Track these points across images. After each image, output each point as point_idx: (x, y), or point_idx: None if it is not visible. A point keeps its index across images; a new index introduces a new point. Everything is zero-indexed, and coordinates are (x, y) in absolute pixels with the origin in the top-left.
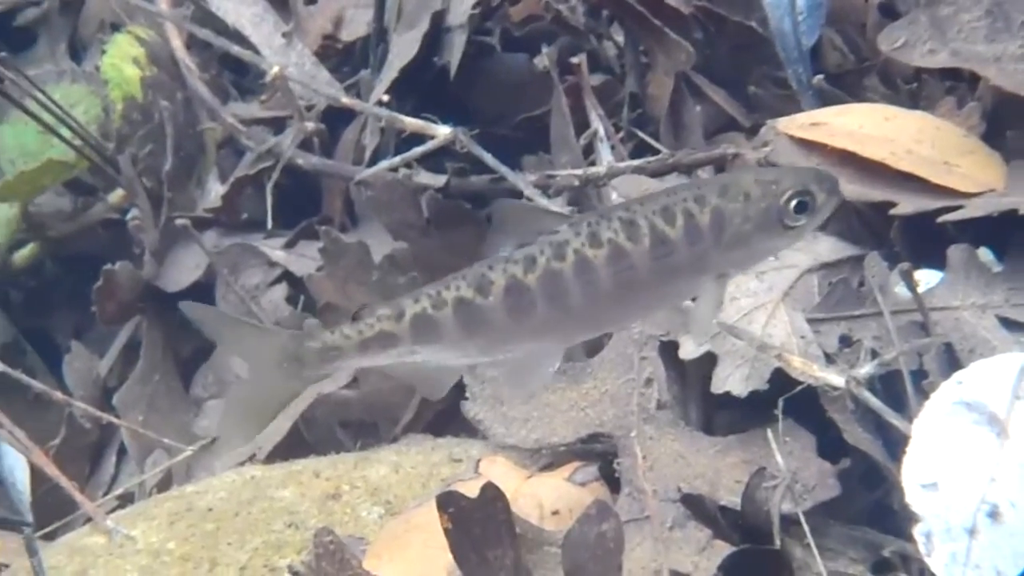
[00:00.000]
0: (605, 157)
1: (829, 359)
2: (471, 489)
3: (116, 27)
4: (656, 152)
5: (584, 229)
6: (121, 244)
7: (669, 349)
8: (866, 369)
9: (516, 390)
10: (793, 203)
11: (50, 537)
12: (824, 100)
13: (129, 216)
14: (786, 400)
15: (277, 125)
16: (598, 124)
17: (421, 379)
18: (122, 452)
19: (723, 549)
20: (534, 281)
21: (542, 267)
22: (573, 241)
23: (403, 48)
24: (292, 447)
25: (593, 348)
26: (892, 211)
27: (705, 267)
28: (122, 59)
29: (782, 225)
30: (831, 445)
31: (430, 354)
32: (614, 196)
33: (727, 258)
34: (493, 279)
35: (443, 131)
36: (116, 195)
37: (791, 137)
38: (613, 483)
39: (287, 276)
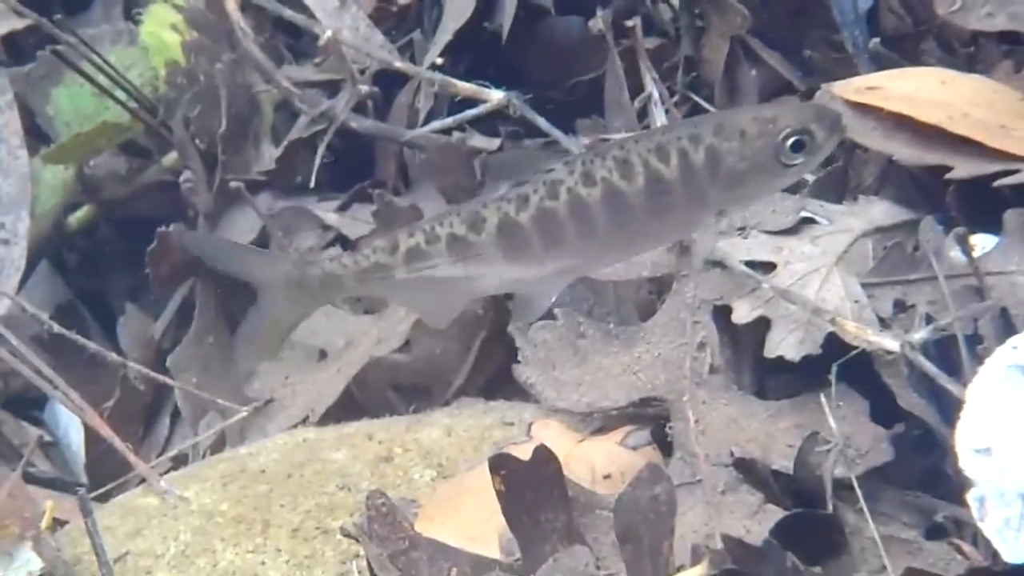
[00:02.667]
0: (659, 121)
1: (883, 324)
2: (523, 452)
3: None
4: None
5: (578, 167)
6: (175, 207)
7: (722, 313)
8: (921, 334)
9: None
10: (790, 141)
11: (104, 498)
12: (880, 64)
13: (182, 179)
14: (839, 365)
15: (331, 88)
16: (652, 88)
17: (421, 309)
18: (176, 414)
19: (775, 513)
20: (527, 219)
21: (535, 205)
22: (567, 180)
23: (457, 11)
24: (345, 410)
25: (646, 312)
26: (947, 175)
27: (701, 205)
28: (160, 26)
29: (779, 164)
30: (884, 410)
31: (424, 287)
32: None
33: (723, 196)
34: (486, 216)
35: (496, 95)
36: (170, 158)
37: (846, 101)
38: (665, 447)
39: (341, 239)
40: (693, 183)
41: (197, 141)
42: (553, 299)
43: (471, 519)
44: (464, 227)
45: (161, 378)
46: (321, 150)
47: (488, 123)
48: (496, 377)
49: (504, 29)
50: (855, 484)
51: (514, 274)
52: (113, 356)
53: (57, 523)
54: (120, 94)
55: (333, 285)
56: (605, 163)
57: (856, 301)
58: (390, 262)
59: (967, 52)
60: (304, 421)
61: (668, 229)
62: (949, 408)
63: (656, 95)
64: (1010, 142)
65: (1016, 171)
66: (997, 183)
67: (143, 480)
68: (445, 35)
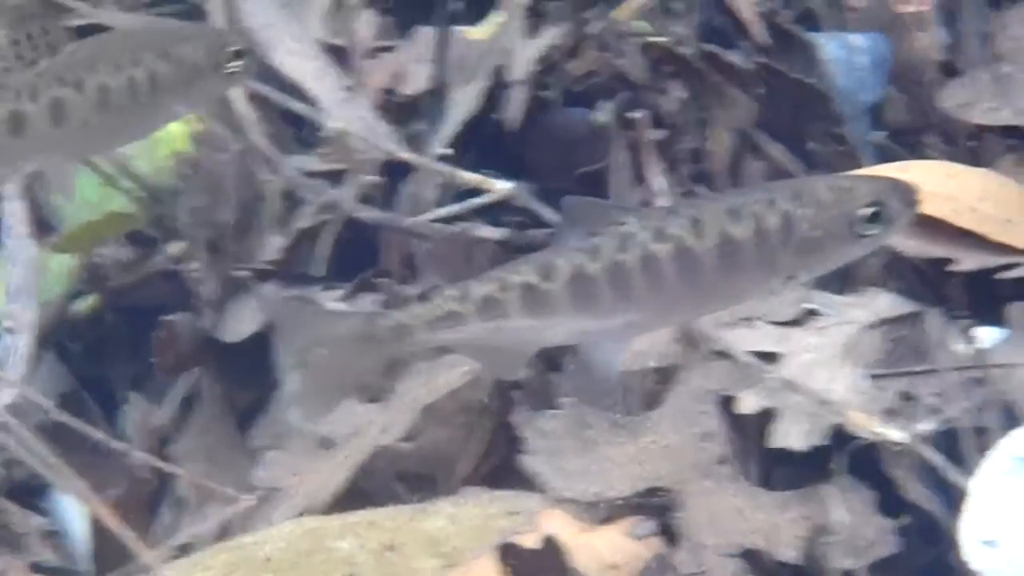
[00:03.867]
0: None
1: (888, 415)
2: (529, 542)
3: None
4: None
5: (651, 223)
6: (180, 295)
7: (727, 404)
8: (926, 425)
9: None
10: (867, 212)
11: None
12: (884, 157)
13: (188, 268)
14: (845, 456)
15: (337, 178)
16: (657, 179)
17: (492, 360)
18: (180, 503)
19: None
20: (598, 270)
21: (607, 257)
22: (639, 234)
23: (463, 102)
24: (350, 498)
25: (652, 401)
26: (952, 268)
27: (771, 270)
28: None
29: (854, 233)
30: (890, 501)
31: (497, 335)
32: None
33: (796, 263)
34: (558, 266)
35: (501, 185)
36: (176, 247)
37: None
38: (671, 538)
39: None
40: (765, 247)
41: (203, 231)
42: (624, 356)
43: None
44: (536, 276)
45: (166, 466)
46: (328, 239)
47: (494, 213)
48: (501, 466)
49: (513, 122)
50: None
51: (584, 326)
52: (118, 444)
53: None
54: (126, 183)
55: (404, 336)
56: (678, 220)
57: (862, 392)
58: (462, 310)
59: (970, 145)
60: (308, 510)
61: (737, 291)
62: (954, 500)
63: (661, 187)
64: (1015, 236)
65: (1020, 264)
66: (1001, 276)
67: (147, 570)
68: (451, 126)
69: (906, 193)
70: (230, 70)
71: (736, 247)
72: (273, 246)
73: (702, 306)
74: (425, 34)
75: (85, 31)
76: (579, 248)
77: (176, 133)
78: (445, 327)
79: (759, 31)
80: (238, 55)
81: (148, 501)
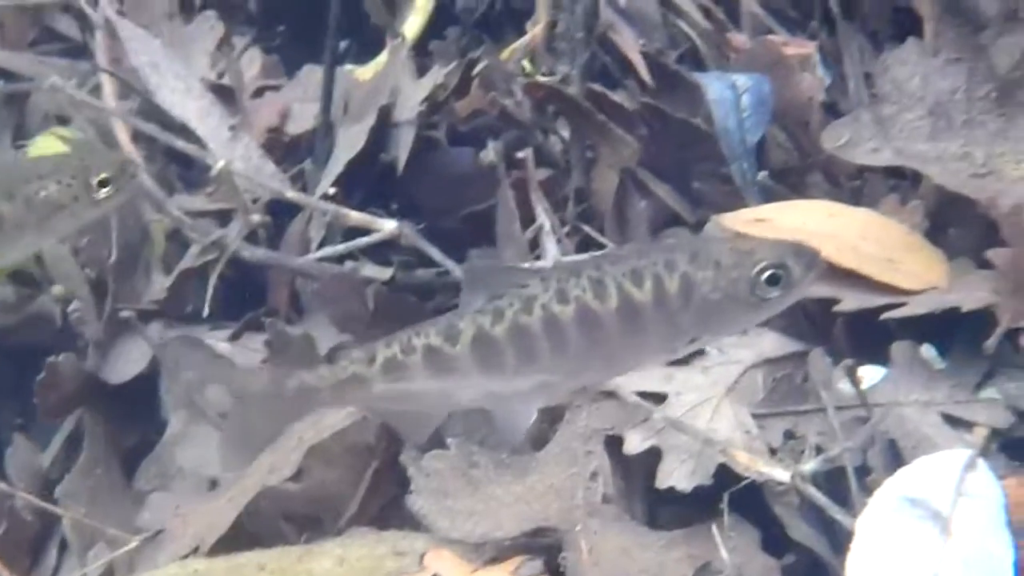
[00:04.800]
0: (551, 251)
1: (773, 454)
2: None
3: (62, 120)
4: (601, 246)
5: (553, 285)
6: (65, 336)
7: (614, 443)
8: (810, 465)
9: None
10: (766, 275)
11: None
12: (768, 196)
13: (71, 308)
14: (731, 495)
15: (223, 217)
16: (544, 218)
17: (402, 422)
18: (64, 545)
19: None
20: (501, 332)
21: (509, 319)
22: (541, 296)
23: (349, 141)
24: (235, 540)
25: (538, 441)
26: (836, 307)
27: (674, 333)
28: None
29: (754, 296)
30: (775, 540)
31: (403, 398)
32: None
33: (696, 326)
34: (462, 328)
35: (388, 224)
36: (59, 287)
37: (735, 233)
38: None
39: None
40: (666, 309)
41: (87, 270)
42: (533, 418)
43: None
44: (440, 339)
45: (49, 507)
46: (213, 279)
47: (380, 252)
48: (388, 506)
49: (400, 162)
50: None
51: (490, 387)
52: (1, 485)
53: None
54: None
55: (311, 397)
56: (580, 282)
57: (747, 432)
58: (367, 373)
59: (853, 186)
60: (195, 551)
61: (640, 352)
62: (839, 539)
63: (548, 225)
64: (897, 276)
65: (903, 304)
66: (884, 316)
67: None
68: (337, 166)
69: (807, 256)
70: (100, 198)
71: (638, 309)
72: (158, 285)
73: (607, 367)
74: (312, 73)
75: None
76: (482, 311)
77: None
78: (351, 389)
79: (644, 71)
80: (105, 183)
81: (32, 543)
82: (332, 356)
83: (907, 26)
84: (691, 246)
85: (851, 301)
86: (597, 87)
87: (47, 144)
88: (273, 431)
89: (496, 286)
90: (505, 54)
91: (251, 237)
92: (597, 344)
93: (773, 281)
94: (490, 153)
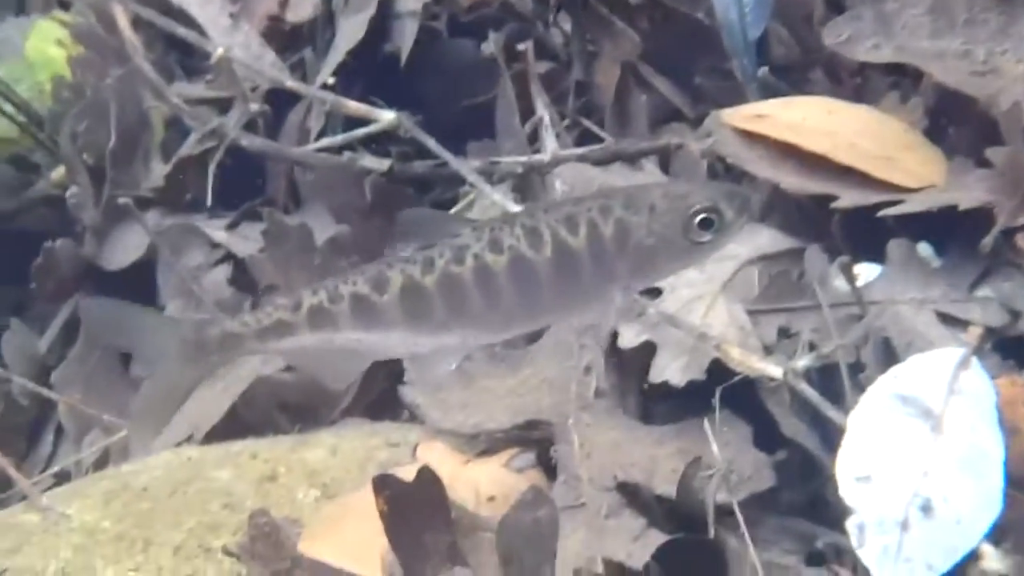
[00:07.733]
0: (550, 145)
1: (767, 351)
2: (408, 473)
3: (63, 3)
4: (601, 140)
5: (485, 234)
6: (63, 222)
7: (608, 337)
8: (804, 361)
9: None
10: (699, 219)
11: None
12: (769, 92)
13: (69, 194)
14: (723, 391)
15: (222, 106)
16: (543, 111)
17: (322, 369)
18: (60, 430)
19: (658, 538)
20: (431, 282)
21: (440, 269)
22: (473, 246)
23: (350, 31)
24: (230, 428)
25: (533, 335)
26: (833, 204)
27: (608, 279)
28: (45, 41)
29: (687, 241)
30: (767, 436)
31: (327, 346)
32: (558, 184)
33: (631, 271)
34: (390, 277)
35: (387, 115)
36: (58, 172)
37: (734, 128)
38: (550, 470)
39: (229, 257)
40: (600, 256)
41: (85, 156)
42: (453, 367)
43: (355, 540)
44: (368, 287)
45: (45, 393)
46: (212, 168)
47: (379, 143)
48: (382, 398)
49: (403, 52)
50: (737, 510)
51: (416, 339)
52: None
53: None
54: (8, 107)
55: (234, 345)
56: (513, 231)
57: (741, 328)
58: (292, 320)
59: (854, 83)
60: (189, 439)
61: (574, 301)
62: (831, 435)
63: (547, 119)
64: (895, 173)
65: (900, 201)
66: (881, 213)
67: (24, 496)
68: (337, 55)
69: (740, 200)
70: None
71: (572, 256)
72: (156, 173)
73: (539, 317)
74: None
75: None
76: (412, 259)
77: (55, 57)
78: (274, 337)
79: None
80: None
81: (28, 428)
82: (255, 303)
83: None
84: (625, 192)
85: (848, 198)
86: None
87: (49, 29)
88: (195, 381)
89: (429, 235)
90: None
91: (250, 126)
92: (531, 294)
93: (706, 225)
94: (491, 45)
